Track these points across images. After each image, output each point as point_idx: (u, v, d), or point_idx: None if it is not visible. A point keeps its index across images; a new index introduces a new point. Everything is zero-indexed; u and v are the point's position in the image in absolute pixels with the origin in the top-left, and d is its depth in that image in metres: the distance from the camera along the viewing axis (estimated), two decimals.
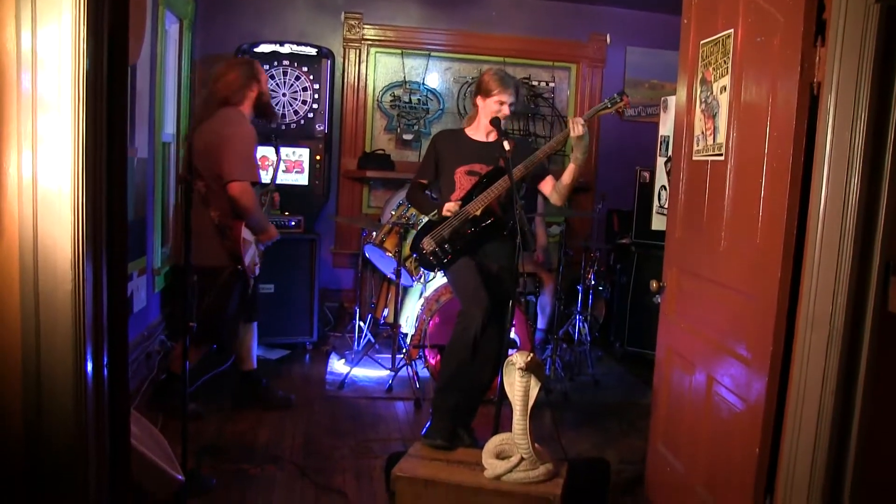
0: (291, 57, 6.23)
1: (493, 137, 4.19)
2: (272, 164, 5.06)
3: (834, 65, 2.28)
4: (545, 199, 4.67)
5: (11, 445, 2.01)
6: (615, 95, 3.95)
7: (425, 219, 4.25)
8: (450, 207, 4.10)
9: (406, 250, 5.20)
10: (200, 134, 4.31)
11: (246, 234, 4.31)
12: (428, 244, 4.18)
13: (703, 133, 3.15)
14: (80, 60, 1.92)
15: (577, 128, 3.87)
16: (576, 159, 4.01)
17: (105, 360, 2.16)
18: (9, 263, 1.95)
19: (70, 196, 1.94)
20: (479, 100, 4.22)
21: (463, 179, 4.18)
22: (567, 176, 4.07)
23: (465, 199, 4.09)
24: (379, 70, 6.87)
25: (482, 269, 4.02)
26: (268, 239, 4.54)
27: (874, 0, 2.16)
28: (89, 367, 2.05)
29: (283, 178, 5.87)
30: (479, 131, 4.26)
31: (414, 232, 4.52)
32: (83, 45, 1.92)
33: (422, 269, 5.31)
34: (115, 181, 2.17)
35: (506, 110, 4.13)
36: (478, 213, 4.04)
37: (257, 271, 4.55)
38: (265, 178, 4.74)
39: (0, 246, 1.94)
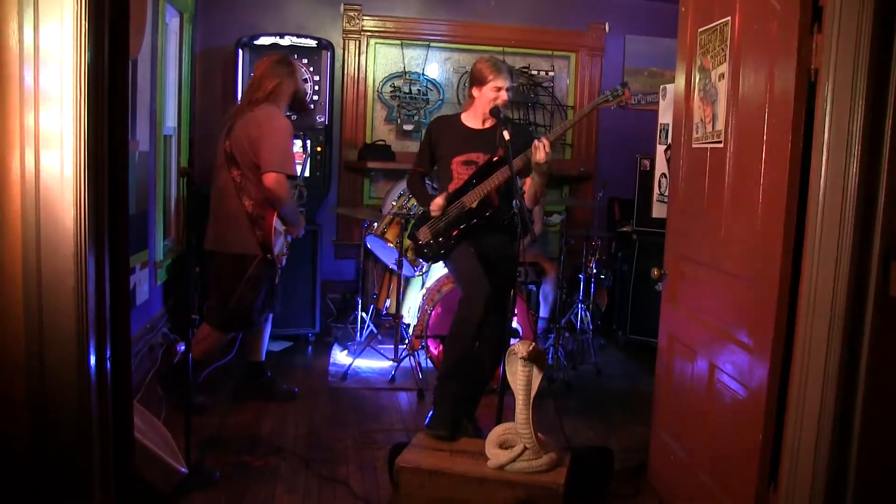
0: (291, 49, 6.22)
1: (489, 125, 4.18)
2: (301, 159, 5.13)
3: (831, 51, 2.29)
4: None
5: (16, 438, 2.03)
6: (617, 87, 3.88)
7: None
8: (435, 206, 4.11)
9: (407, 241, 5.21)
10: (241, 125, 4.38)
11: (277, 224, 4.40)
12: (424, 236, 4.20)
13: (702, 120, 3.15)
14: (82, 55, 1.93)
15: (538, 153, 3.76)
16: (532, 178, 3.95)
17: (108, 353, 2.17)
18: (12, 257, 1.97)
19: (72, 190, 1.95)
20: (475, 90, 4.18)
21: (459, 169, 4.18)
22: (528, 187, 4.01)
23: (462, 190, 4.09)
24: (379, 61, 6.87)
25: (482, 257, 4.01)
26: (297, 230, 4.66)
27: None
28: (92, 360, 2.06)
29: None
30: (476, 119, 4.23)
31: (413, 221, 4.53)
32: (84, 40, 1.93)
33: (421, 260, 5.32)
34: (117, 175, 2.19)
35: (504, 96, 4.09)
36: (473, 205, 4.04)
37: (284, 262, 4.65)
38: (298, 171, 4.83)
39: (3, 240, 1.96)
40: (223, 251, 4.42)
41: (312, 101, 6.15)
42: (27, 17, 1.88)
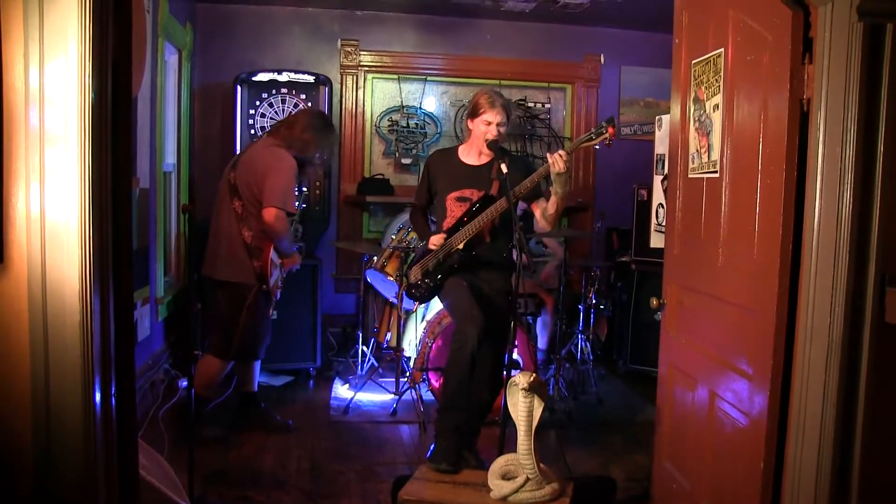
0: (289, 85, 6.30)
1: (485, 158, 4.18)
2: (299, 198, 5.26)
3: (822, 81, 2.32)
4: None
5: (22, 476, 2.03)
6: (602, 124, 3.76)
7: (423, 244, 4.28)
8: (434, 242, 4.15)
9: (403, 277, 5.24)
10: (248, 158, 4.56)
11: (274, 256, 4.53)
12: (414, 275, 4.22)
13: (697, 151, 3.18)
14: (86, 94, 1.96)
15: (557, 164, 3.74)
16: (556, 192, 3.92)
17: (113, 389, 2.18)
18: (17, 295, 1.99)
19: (77, 228, 1.97)
20: (469, 122, 4.19)
21: (453, 206, 4.19)
22: (551, 206, 4.00)
23: (453, 229, 4.11)
24: (376, 95, 6.94)
25: (475, 289, 4.02)
26: (292, 264, 4.79)
27: (857, 18, 2.20)
28: (98, 397, 2.07)
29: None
30: (472, 154, 4.23)
31: (413, 255, 4.56)
32: (88, 80, 1.96)
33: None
34: (121, 212, 2.21)
35: (493, 130, 4.05)
36: (460, 246, 4.05)
37: (279, 295, 4.73)
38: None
39: (9, 277, 1.98)
40: (220, 279, 4.51)
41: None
42: (32, 59, 1.92)
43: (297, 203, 5.22)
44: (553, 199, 3.96)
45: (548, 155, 3.79)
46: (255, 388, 4.86)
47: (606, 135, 3.71)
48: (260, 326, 4.56)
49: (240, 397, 4.86)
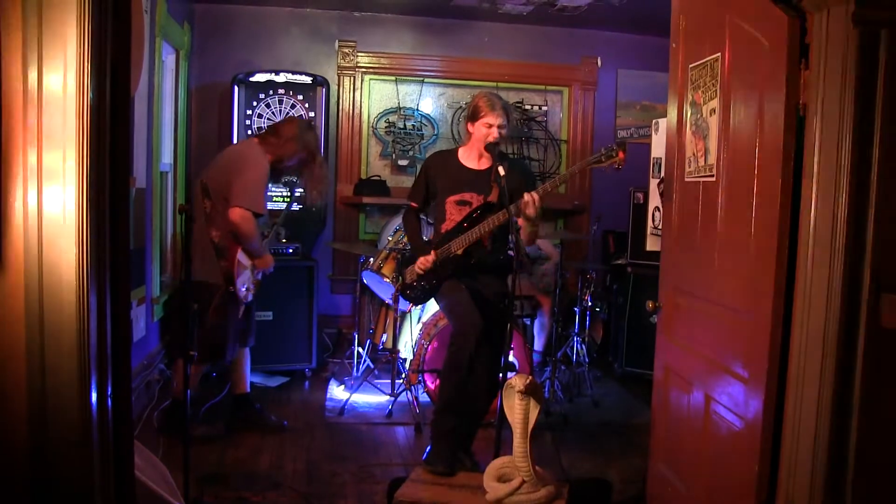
0: (287, 86, 6.30)
1: (485, 163, 4.15)
2: (287, 201, 5.21)
3: (818, 87, 2.33)
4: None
5: (18, 475, 2.03)
6: (613, 147, 3.63)
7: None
8: (422, 265, 4.15)
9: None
10: (221, 157, 4.56)
11: (242, 258, 4.44)
12: (410, 276, 4.22)
13: (694, 155, 3.19)
14: (84, 94, 1.96)
15: (528, 208, 3.72)
16: (523, 226, 3.87)
17: (109, 390, 2.18)
18: (14, 295, 1.99)
19: (74, 228, 1.98)
20: (469, 125, 4.16)
21: (453, 210, 4.17)
22: (522, 233, 3.88)
23: (452, 234, 4.10)
24: (373, 97, 6.94)
25: (472, 291, 4.01)
26: (264, 266, 4.66)
27: (853, 25, 2.21)
28: (94, 397, 2.07)
29: (280, 206, 5.95)
30: (472, 156, 4.21)
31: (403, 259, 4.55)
32: (87, 80, 1.96)
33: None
34: (119, 212, 2.21)
35: (495, 133, 4.03)
36: (459, 251, 4.05)
37: (250, 297, 4.64)
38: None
39: (6, 278, 1.98)
40: (194, 278, 4.44)
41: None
42: (31, 59, 1.92)
43: (280, 204, 5.20)
44: (523, 225, 3.89)
45: (525, 194, 3.74)
46: (248, 390, 4.88)
47: (616, 159, 3.61)
48: (225, 328, 4.50)
49: (233, 399, 4.88)
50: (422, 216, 4.51)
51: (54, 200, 1.97)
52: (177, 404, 4.49)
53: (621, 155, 3.60)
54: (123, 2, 2.21)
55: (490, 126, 4.05)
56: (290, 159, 4.62)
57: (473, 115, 4.12)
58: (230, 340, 4.55)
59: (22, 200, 1.96)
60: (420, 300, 4.32)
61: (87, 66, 1.96)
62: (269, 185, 4.74)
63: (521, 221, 3.88)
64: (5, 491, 2.04)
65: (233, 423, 4.77)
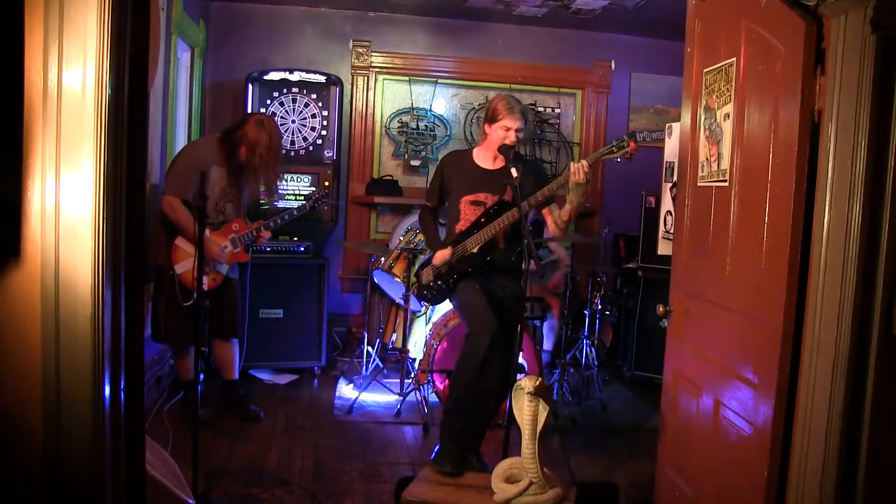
0: (301, 84, 6.31)
1: (499, 164, 4.13)
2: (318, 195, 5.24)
3: (834, 93, 2.33)
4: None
5: (31, 468, 2.05)
6: (624, 137, 3.69)
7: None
8: (439, 258, 4.17)
9: (413, 278, 5.24)
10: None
11: (182, 244, 4.56)
12: (426, 276, 4.22)
13: (707, 159, 3.19)
14: (103, 91, 1.98)
15: (578, 174, 3.72)
16: (571, 202, 3.89)
17: (122, 383, 2.20)
18: (30, 288, 2.00)
19: (91, 223, 1.99)
20: (486, 127, 4.16)
21: (467, 210, 4.17)
22: (564, 213, 3.99)
23: (467, 233, 4.10)
24: (387, 97, 6.95)
25: (487, 292, 4.02)
26: (210, 258, 4.59)
27: (871, 31, 2.20)
28: (107, 390, 2.09)
29: (292, 204, 5.95)
30: (487, 157, 4.21)
31: (422, 257, 4.55)
32: (106, 76, 1.98)
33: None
34: (134, 207, 2.23)
35: (512, 136, 4.04)
36: (475, 250, 4.05)
37: (204, 284, 4.43)
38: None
39: (23, 271, 1.99)
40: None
41: (321, 136, 6.26)
42: (52, 56, 1.93)
43: (300, 202, 5.25)
44: (567, 207, 3.94)
45: (570, 164, 3.76)
46: (236, 377, 5.01)
47: (628, 149, 3.65)
48: (173, 313, 4.53)
49: (222, 384, 5.04)
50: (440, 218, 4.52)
51: (71, 195, 1.98)
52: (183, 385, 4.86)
53: (633, 145, 3.64)
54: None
55: (508, 129, 4.05)
56: (241, 153, 4.62)
57: (492, 118, 4.11)
58: (179, 326, 4.57)
59: (40, 194, 1.98)
60: (436, 300, 4.33)
61: (107, 61, 1.98)
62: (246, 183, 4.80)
63: (546, 210, 4.03)
64: (20, 482, 2.05)
65: (220, 406, 5.00)
